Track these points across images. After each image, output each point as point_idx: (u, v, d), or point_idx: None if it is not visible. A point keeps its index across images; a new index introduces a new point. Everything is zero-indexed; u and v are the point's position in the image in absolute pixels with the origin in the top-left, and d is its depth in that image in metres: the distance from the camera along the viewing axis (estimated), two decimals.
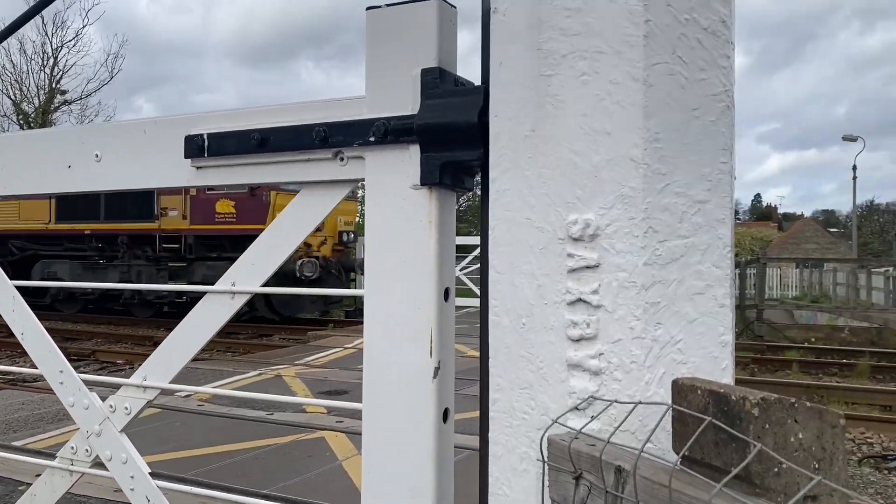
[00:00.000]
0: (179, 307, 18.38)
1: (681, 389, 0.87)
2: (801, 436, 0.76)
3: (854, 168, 31.82)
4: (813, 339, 14.66)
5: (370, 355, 1.55)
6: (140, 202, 18.11)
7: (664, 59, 1.08)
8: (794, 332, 15.88)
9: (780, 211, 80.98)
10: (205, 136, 1.67)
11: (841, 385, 9.98)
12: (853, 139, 32.34)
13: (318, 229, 1.92)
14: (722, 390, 0.81)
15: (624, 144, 1.08)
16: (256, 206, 16.26)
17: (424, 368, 1.50)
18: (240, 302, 1.74)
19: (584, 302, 1.09)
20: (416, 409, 1.49)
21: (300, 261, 16.45)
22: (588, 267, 1.09)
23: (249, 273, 1.73)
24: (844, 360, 11.77)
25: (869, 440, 6.94)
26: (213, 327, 1.76)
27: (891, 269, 19.26)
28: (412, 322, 1.52)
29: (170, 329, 1.82)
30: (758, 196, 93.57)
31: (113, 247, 18.80)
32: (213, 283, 1.73)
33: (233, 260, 1.74)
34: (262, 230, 1.68)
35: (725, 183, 1.12)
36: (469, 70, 1.48)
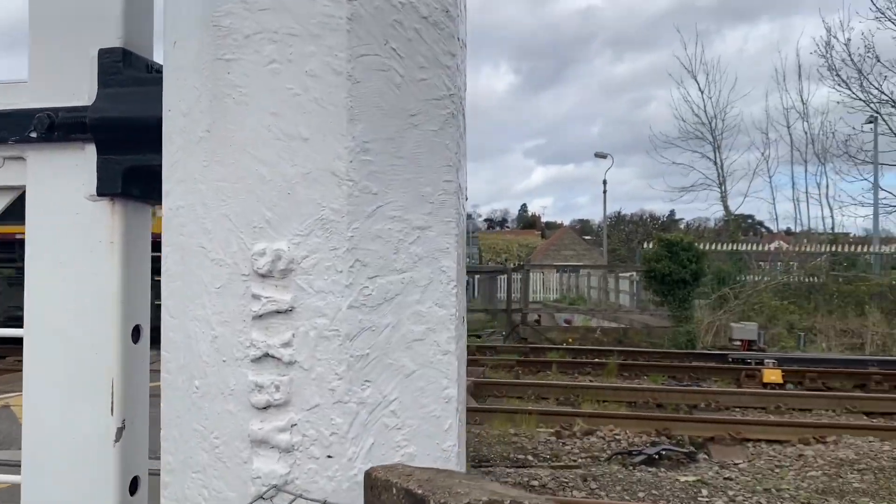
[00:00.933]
0: None
1: (374, 485, 0.65)
2: None
3: (604, 182, 35.07)
4: (570, 340, 15.74)
5: (31, 413, 1.22)
6: None
7: (374, 51, 0.86)
8: (554, 333, 16.98)
9: (543, 220, 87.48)
10: None
11: (593, 384, 10.74)
12: (604, 156, 35.64)
13: None
14: (420, 490, 0.59)
15: (324, 154, 0.84)
16: None
17: (104, 429, 1.20)
18: None
19: (274, 358, 0.84)
20: (94, 481, 1.19)
21: None
22: (279, 312, 0.84)
23: None
24: (597, 360, 12.73)
25: (617, 437, 7.46)
26: None
27: (634, 273, 21.38)
28: (87, 370, 1.21)
29: None
30: (524, 206, 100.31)
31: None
32: None
33: None
34: None
35: (450, 205, 0.93)
36: None
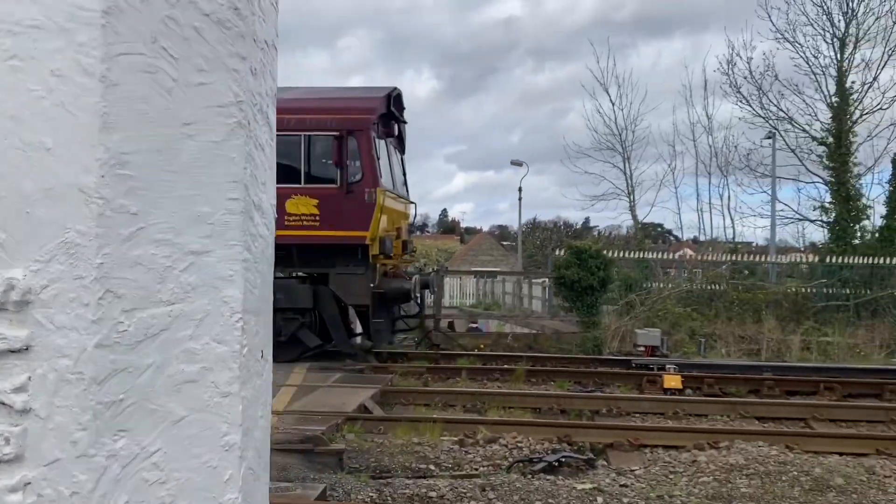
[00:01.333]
0: None
1: None
2: None
3: (520, 189, 35.51)
4: (482, 346, 15.78)
5: None
6: None
7: (137, 50, 0.75)
8: (466, 339, 17.00)
9: (463, 225, 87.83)
10: None
11: (500, 391, 10.78)
12: (519, 164, 36.08)
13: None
14: None
15: (71, 167, 0.73)
16: (354, 205, 11.97)
17: None
18: None
19: (4, 405, 0.72)
20: None
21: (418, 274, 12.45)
22: (12, 351, 0.72)
23: None
24: (506, 366, 12.78)
25: (519, 444, 7.47)
26: None
27: (546, 279, 21.70)
28: None
29: None
30: (444, 211, 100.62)
31: None
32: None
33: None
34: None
35: (236, 227, 0.83)
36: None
